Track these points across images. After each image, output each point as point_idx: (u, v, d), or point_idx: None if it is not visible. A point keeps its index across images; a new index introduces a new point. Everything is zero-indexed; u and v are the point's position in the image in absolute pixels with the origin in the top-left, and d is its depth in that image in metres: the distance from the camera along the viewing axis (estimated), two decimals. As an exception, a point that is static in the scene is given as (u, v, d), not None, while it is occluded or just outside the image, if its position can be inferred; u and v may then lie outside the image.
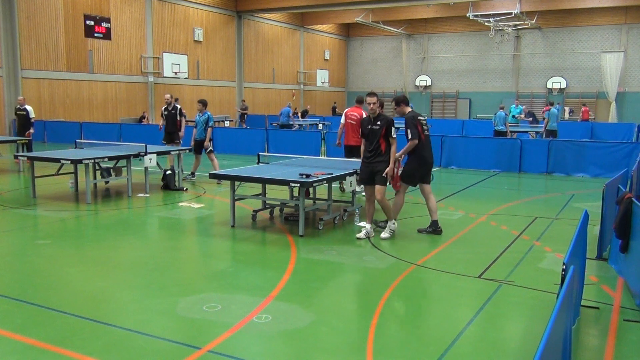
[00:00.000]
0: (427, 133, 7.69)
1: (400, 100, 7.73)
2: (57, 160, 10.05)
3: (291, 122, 24.19)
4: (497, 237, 7.63)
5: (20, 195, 10.64)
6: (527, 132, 21.01)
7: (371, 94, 7.39)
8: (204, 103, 12.43)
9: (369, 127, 7.33)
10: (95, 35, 24.04)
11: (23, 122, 14.72)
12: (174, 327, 4.61)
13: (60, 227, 8.18)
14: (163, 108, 13.11)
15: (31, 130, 14.56)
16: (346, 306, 5.18)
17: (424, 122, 7.68)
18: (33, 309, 4.89)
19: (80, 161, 9.72)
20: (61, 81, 23.27)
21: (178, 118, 12.90)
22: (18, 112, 14.85)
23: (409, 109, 7.72)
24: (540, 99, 35.99)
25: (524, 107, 23.93)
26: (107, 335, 4.39)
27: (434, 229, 7.70)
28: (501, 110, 18.92)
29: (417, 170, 7.63)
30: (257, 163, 9.56)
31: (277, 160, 10.47)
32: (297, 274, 5.96)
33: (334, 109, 38.36)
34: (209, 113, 12.39)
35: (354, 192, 8.56)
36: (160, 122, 13.26)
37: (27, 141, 14.35)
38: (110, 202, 10.21)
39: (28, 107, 14.75)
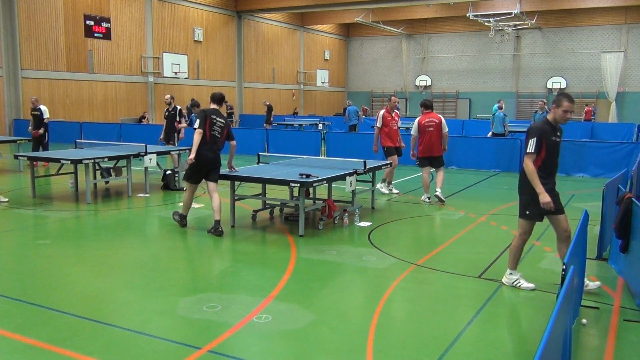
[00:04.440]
0: (216, 134, 7.61)
1: None
2: (57, 160, 10.05)
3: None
4: (497, 237, 7.63)
5: (20, 195, 10.64)
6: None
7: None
8: (198, 105, 12.37)
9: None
10: (95, 35, 24.04)
11: (37, 122, 14.42)
12: (174, 327, 4.61)
13: (60, 227, 8.17)
14: (165, 109, 13.15)
15: (40, 131, 14.23)
16: (346, 306, 5.17)
17: (216, 121, 7.60)
18: (33, 309, 4.89)
19: (80, 161, 9.72)
20: (61, 81, 23.27)
21: (177, 119, 12.84)
22: (32, 113, 14.55)
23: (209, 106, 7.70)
24: (541, 99, 35.95)
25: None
26: (107, 335, 4.38)
27: (215, 229, 7.55)
28: (500, 111, 18.23)
29: (194, 167, 7.64)
30: (257, 163, 9.57)
31: (277, 160, 10.48)
32: (297, 274, 5.95)
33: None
34: None
35: (354, 192, 8.57)
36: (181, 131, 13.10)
37: (38, 141, 14.30)
38: (110, 202, 10.21)
39: (42, 107, 14.47)
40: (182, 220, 8.04)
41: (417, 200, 10.30)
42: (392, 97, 10.91)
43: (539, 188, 5.16)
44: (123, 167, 10.79)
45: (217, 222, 7.59)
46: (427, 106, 10.14)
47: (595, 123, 25.88)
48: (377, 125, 10.62)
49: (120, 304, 5.13)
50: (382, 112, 10.68)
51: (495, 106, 19.79)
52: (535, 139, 5.22)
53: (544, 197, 5.13)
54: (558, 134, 5.35)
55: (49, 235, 7.68)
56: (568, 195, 11.11)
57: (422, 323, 4.80)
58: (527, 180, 5.28)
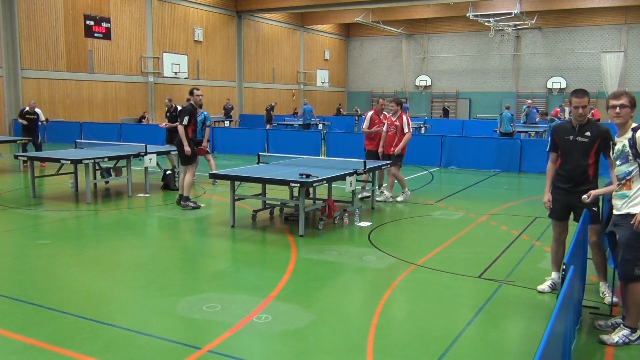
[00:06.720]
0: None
1: None
2: (57, 160, 10.05)
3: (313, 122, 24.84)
4: (497, 237, 7.63)
5: (20, 195, 10.64)
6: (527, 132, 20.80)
7: None
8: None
9: None
10: (95, 35, 24.04)
11: (32, 126, 14.49)
12: (174, 327, 4.61)
13: (60, 227, 8.18)
14: (166, 110, 13.16)
15: (36, 116, 14.55)
16: (346, 306, 5.17)
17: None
18: (33, 309, 4.89)
19: (80, 161, 9.72)
20: (61, 81, 23.27)
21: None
22: (27, 116, 14.53)
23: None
24: (541, 99, 36.00)
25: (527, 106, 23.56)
26: (107, 335, 4.39)
27: (187, 202, 9.41)
28: (507, 111, 18.20)
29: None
30: (257, 163, 9.57)
31: (277, 160, 10.47)
32: (297, 274, 5.95)
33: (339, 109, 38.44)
34: (205, 113, 12.37)
35: (354, 192, 8.57)
36: (164, 123, 13.16)
37: (30, 139, 14.43)
38: (110, 202, 10.21)
39: (38, 110, 14.72)
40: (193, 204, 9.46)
41: (417, 200, 10.29)
42: (380, 100, 10.85)
43: (546, 187, 5.29)
44: (123, 167, 10.79)
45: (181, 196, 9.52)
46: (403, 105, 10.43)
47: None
48: (363, 126, 10.59)
49: (120, 304, 5.13)
50: (370, 113, 10.64)
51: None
52: (550, 137, 5.25)
53: (544, 196, 5.30)
54: (582, 132, 4.91)
55: (49, 235, 7.68)
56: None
57: (422, 323, 4.80)
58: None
